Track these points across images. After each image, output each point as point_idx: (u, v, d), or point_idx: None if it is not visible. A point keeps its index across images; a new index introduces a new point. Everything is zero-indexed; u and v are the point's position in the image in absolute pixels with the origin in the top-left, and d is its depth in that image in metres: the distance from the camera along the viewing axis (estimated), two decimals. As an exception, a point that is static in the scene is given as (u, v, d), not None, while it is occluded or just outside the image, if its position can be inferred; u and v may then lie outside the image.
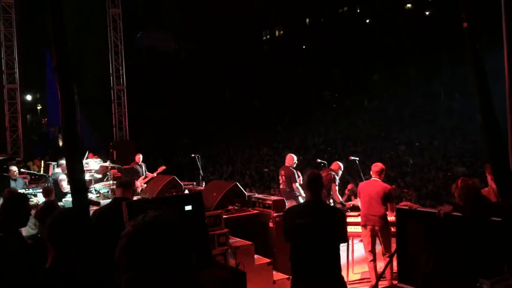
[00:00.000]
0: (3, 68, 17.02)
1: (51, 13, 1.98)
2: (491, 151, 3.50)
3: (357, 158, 9.05)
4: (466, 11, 3.09)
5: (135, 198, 8.05)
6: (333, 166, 9.17)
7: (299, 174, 9.56)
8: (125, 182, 4.98)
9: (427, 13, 33.28)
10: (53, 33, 1.97)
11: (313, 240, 4.13)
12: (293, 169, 9.49)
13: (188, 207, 4.72)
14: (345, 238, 4.42)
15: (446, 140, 22.60)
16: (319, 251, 4.15)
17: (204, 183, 10.61)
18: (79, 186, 2.16)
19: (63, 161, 10.26)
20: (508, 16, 4.46)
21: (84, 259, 2.93)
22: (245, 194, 8.00)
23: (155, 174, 11.86)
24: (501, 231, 4.25)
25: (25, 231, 6.19)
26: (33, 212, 5.73)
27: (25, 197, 4.20)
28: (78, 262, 2.84)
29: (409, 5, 34.26)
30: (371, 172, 7.19)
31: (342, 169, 9.18)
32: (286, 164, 9.63)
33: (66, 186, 9.47)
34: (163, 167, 12.28)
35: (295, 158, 9.69)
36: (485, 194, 5.06)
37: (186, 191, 9.15)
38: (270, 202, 7.58)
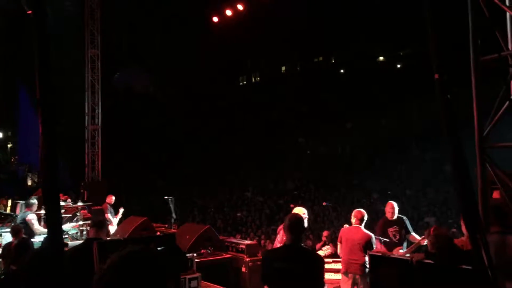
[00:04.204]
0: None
1: (38, 43, 2.00)
2: (461, 199, 3.58)
3: (331, 204, 9.03)
4: (437, 62, 3.24)
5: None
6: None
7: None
8: (98, 222, 4.88)
9: (398, 65, 34.55)
10: (39, 64, 1.98)
11: (290, 285, 4.10)
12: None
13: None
14: (322, 284, 4.39)
15: (417, 190, 22.95)
16: None
17: (176, 226, 10.46)
18: (56, 227, 2.12)
19: (33, 201, 9.98)
20: (477, 68, 4.70)
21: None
22: (218, 237, 7.92)
23: (117, 217, 12.04)
24: (472, 279, 4.31)
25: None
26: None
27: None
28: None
29: (381, 58, 35.53)
30: (352, 218, 7.18)
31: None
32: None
33: (37, 226, 9.19)
34: (121, 209, 12.40)
35: (395, 206, 7.79)
36: (463, 243, 5.14)
37: (158, 234, 9.00)
38: (244, 247, 7.52)
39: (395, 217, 7.63)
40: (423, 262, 4.75)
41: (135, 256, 1.60)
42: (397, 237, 7.45)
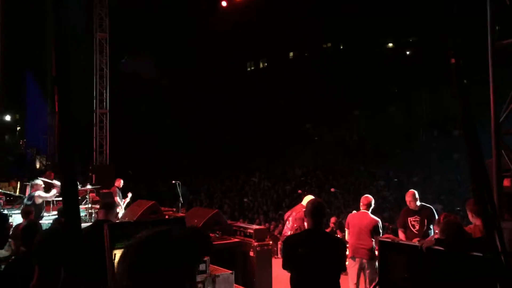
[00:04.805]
0: (-18, 89, 16.83)
1: (54, 18, 1.97)
2: (475, 184, 3.53)
3: (339, 190, 9.03)
4: (454, 47, 3.18)
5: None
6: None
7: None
8: (108, 204, 4.89)
9: (407, 52, 34.27)
10: (55, 39, 1.96)
11: (314, 269, 4.15)
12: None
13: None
14: (344, 267, 4.44)
15: (424, 177, 22.90)
16: (322, 279, 4.19)
17: (184, 210, 10.51)
18: (73, 207, 2.11)
19: (37, 181, 9.95)
20: (494, 54, 4.63)
21: (70, 280, 2.87)
22: (226, 221, 7.95)
23: (125, 201, 12.14)
24: (481, 266, 4.29)
25: (-1, 252, 6.00)
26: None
27: (4, 218, 4.08)
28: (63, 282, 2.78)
29: (390, 44, 35.25)
30: (360, 204, 7.18)
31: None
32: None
33: (45, 194, 9.11)
34: (130, 193, 12.47)
35: (415, 195, 7.20)
36: (471, 231, 5.12)
37: (167, 217, 9.04)
38: (252, 231, 7.54)
39: (418, 204, 7.06)
40: (433, 249, 4.73)
41: (163, 236, 1.60)
42: (417, 227, 7.00)
